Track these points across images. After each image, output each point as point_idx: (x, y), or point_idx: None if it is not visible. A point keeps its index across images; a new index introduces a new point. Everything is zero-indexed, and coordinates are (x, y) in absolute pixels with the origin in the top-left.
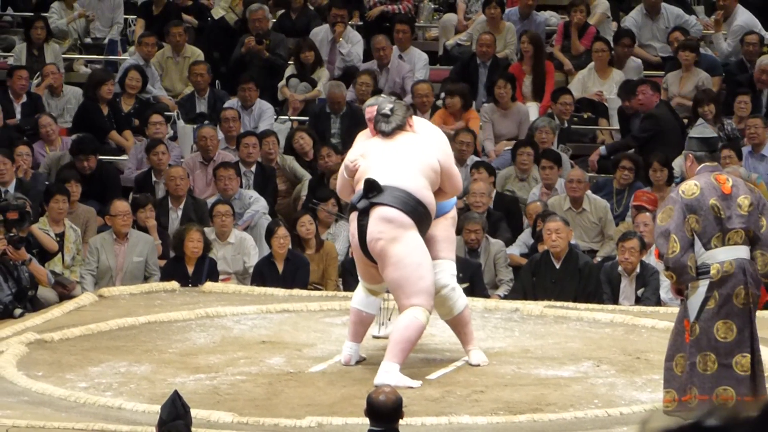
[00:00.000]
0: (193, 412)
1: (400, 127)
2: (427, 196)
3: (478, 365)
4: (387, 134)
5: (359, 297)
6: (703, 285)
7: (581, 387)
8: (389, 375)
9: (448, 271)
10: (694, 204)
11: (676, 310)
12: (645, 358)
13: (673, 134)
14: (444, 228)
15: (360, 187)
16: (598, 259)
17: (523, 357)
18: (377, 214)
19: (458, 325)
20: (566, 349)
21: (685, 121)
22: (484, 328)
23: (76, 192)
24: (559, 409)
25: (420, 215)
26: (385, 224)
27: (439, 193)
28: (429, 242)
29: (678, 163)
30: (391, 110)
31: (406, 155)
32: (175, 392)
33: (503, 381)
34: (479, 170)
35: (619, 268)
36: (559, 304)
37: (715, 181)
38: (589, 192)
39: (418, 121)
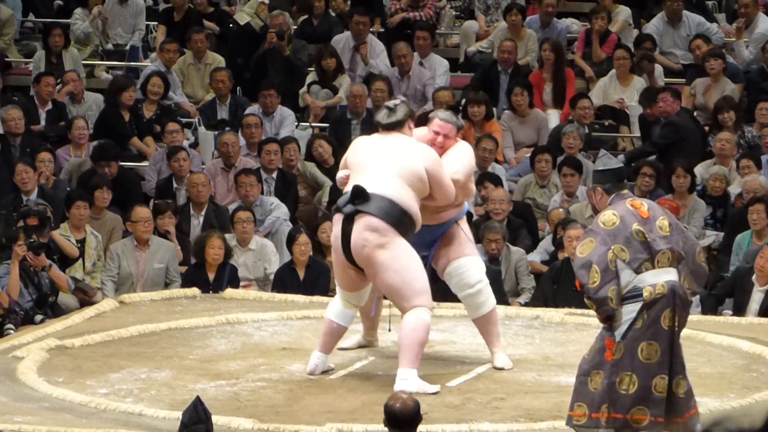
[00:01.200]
0: (214, 418)
1: (399, 124)
2: (412, 207)
3: (502, 368)
4: (384, 127)
5: (335, 308)
6: (634, 306)
7: None
8: (408, 381)
9: (478, 267)
10: (616, 233)
11: (697, 317)
12: None
13: (693, 142)
14: (466, 229)
15: (347, 189)
16: None
17: (544, 364)
18: (362, 222)
19: (486, 324)
20: None
21: (706, 128)
22: (504, 336)
23: (106, 199)
24: None
25: (404, 226)
26: (370, 233)
27: (429, 200)
28: (453, 243)
29: (698, 171)
30: (395, 106)
31: (395, 162)
32: (197, 398)
33: (524, 388)
34: (484, 184)
35: None
36: (579, 311)
37: (631, 207)
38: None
39: (462, 149)
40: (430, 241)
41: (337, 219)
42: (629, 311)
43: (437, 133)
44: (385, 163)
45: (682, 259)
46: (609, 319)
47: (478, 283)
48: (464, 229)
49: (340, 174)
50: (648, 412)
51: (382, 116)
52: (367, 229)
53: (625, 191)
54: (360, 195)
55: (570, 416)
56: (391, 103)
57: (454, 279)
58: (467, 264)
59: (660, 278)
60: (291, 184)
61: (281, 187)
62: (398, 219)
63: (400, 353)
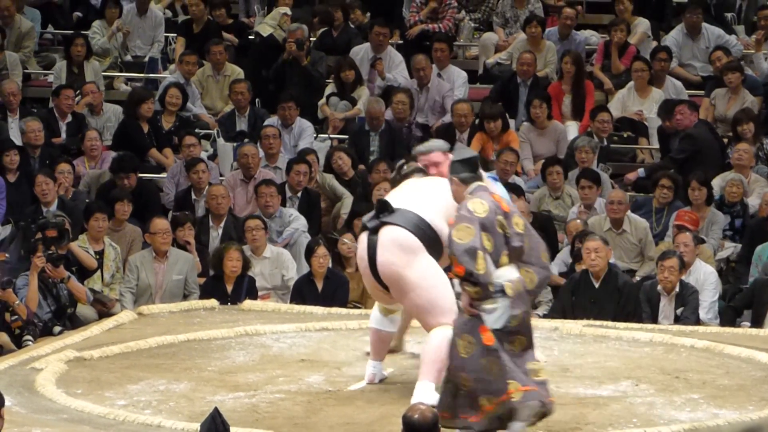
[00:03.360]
0: (233, 430)
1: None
2: (439, 224)
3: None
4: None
5: (376, 316)
6: (503, 303)
7: (620, 406)
8: (426, 395)
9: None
10: (486, 222)
11: (715, 329)
12: (684, 378)
13: (711, 154)
14: None
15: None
16: (637, 278)
17: (563, 376)
18: (387, 234)
19: None
20: (605, 369)
21: (725, 140)
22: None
23: (126, 211)
24: (597, 428)
25: (429, 239)
26: (396, 249)
27: None
28: None
29: (717, 183)
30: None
31: (431, 191)
32: (215, 409)
33: None
34: None
35: (659, 287)
36: (598, 323)
37: (495, 199)
38: (629, 213)
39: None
40: None
41: (363, 238)
42: (500, 307)
43: (427, 167)
44: (419, 190)
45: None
46: (474, 307)
47: None
48: None
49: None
50: (520, 393)
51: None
52: (392, 244)
53: (484, 182)
54: (384, 208)
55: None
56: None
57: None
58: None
59: (513, 275)
60: (315, 203)
61: (305, 206)
62: (423, 231)
63: (422, 367)
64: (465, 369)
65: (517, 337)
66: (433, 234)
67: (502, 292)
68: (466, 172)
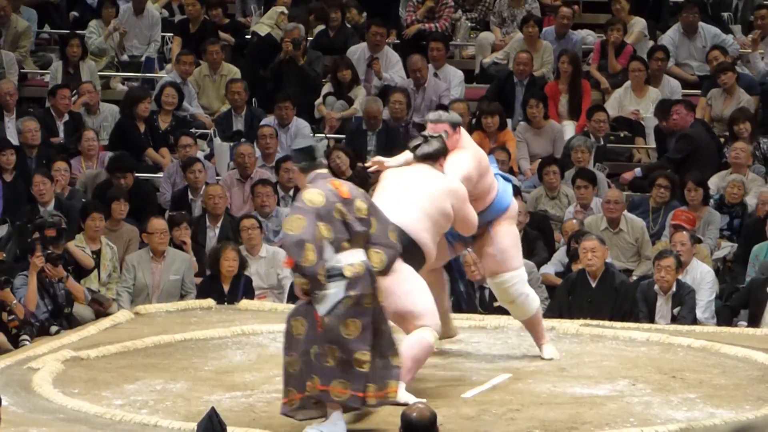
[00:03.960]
0: (229, 429)
1: (432, 157)
2: (424, 238)
3: (551, 359)
4: (416, 158)
5: None
6: (338, 286)
7: (617, 406)
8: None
9: (519, 280)
10: (322, 211)
11: (712, 328)
12: (681, 377)
13: (708, 153)
14: (505, 234)
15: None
16: (634, 278)
17: (559, 375)
18: None
19: (530, 324)
20: (602, 368)
21: (722, 140)
22: (519, 347)
23: (123, 211)
24: (594, 427)
25: (410, 255)
26: None
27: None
28: (494, 254)
29: (714, 183)
30: (431, 138)
31: (421, 195)
32: (212, 409)
33: (539, 399)
34: None
35: (655, 287)
36: (594, 322)
37: (332, 186)
38: (626, 212)
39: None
40: (463, 239)
41: None
42: (332, 289)
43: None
44: (410, 193)
45: (369, 239)
46: (308, 294)
47: (518, 298)
48: (504, 235)
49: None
50: (349, 385)
51: (417, 146)
52: None
53: (324, 170)
54: None
55: (327, 392)
56: (427, 133)
57: (497, 291)
58: (507, 280)
59: (356, 258)
60: None
61: None
62: (403, 247)
63: None
64: (292, 349)
65: (351, 320)
66: (414, 248)
67: (340, 275)
68: (305, 160)
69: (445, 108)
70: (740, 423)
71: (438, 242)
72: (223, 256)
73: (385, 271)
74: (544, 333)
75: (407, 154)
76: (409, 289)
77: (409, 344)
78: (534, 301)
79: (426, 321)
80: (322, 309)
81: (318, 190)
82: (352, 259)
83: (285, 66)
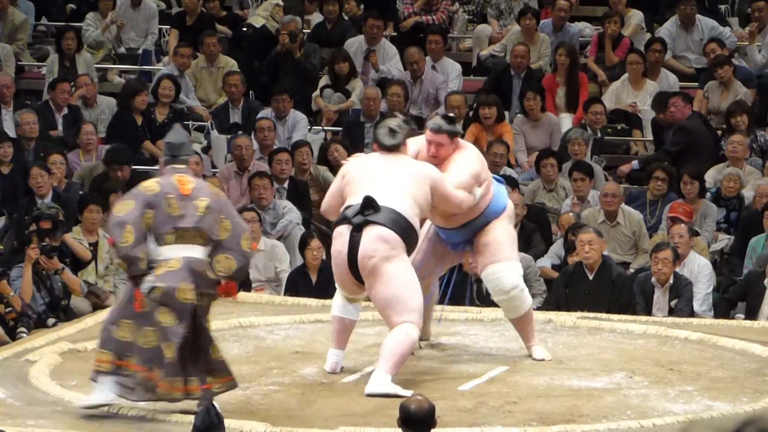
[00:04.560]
0: (227, 422)
1: (398, 148)
2: (416, 224)
3: (543, 359)
4: (385, 148)
5: (338, 304)
6: (151, 275)
7: (614, 398)
8: (381, 383)
9: (514, 272)
10: (151, 200)
11: (709, 321)
12: (678, 370)
13: (705, 146)
14: (502, 229)
15: (352, 201)
16: (631, 270)
17: (556, 368)
18: (374, 232)
19: (522, 323)
20: (599, 361)
21: (719, 132)
22: (517, 339)
23: None
24: (591, 420)
25: (411, 240)
26: (381, 243)
27: (439, 210)
28: (489, 246)
29: (711, 175)
30: (398, 127)
31: (402, 179)
32: (210, 402)
33: (536, 392)
34: None
35: (653, 279)
36: (592, 315)
37: (175, 181)
38: (623, 205)
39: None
40: (462, 242)
41: (344, 230)
42: (149, 276)
43: (429, 143)
44: (393, 178)
45: (219, 245)
46: (135, 277)
47: (513, 290)
48: (502, 229)
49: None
50: (158, 372)
51: (383, 137)
52: (378, 240)
53: (184, 166)
54: (371, 205)
55: (95, 363)
56: (395, 124)
57: (490, 284)
58: (502, 270)
59: (178, 253)
60: (303, 192)
61: (293, 195)
62: (406, 232)
63: (381, 358)
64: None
65: (162, 308)
66: (414, 234)
67: (154, 268)
68: (167, 155)
69: (450, 120)
70: (747, 415)
71: (440, 252)
72: None
73: (234, 277)
74: (534, 334)
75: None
76: (409, 280)
77: (395, 339)
78: (528, 297)
79: (413, 317)
80: (144, 288)
81: (157, 180)
82: (172, 254)
83: (281, 59)
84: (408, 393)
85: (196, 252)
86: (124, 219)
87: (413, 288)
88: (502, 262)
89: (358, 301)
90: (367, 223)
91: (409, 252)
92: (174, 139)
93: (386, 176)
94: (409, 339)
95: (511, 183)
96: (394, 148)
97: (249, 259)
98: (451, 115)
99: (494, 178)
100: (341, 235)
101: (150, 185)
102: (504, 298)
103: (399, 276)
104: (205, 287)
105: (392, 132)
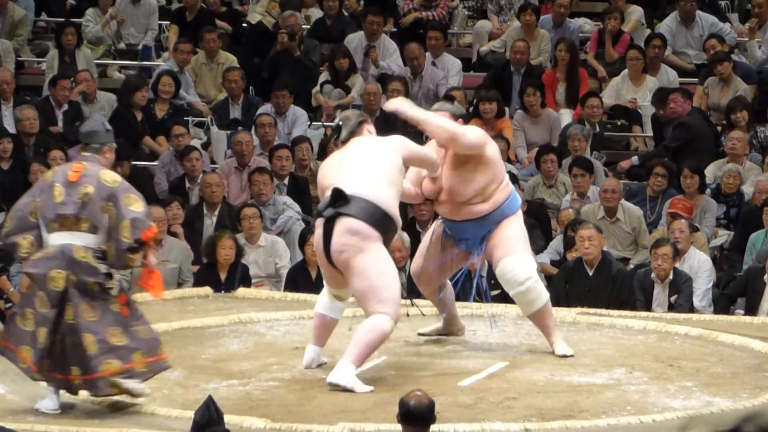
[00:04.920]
0: (226, 417)
1: (354, 134)
2: (392, 207)
3: (565, 356)
4: (344, 142)
5: (323, 302)
6: (29, 262)
7: (614, 394)
8: (344, 375)
9: (528, 264)
10: (43, 186)
11: (709, 317)
12: (678, 365)
13: (705, 141)
14: (516, 226)
15: (327, 194)
16: (631, 266)
17: (556, 364)
18: (343, 225)
19: (539, 318)
20: (599, 356)
21: (719, 128)
22: (516, 335)
23: None
24: (591, 416)
25: (386, 227)
26: (350, 236)
27: (431, 170)
28: (504, 242)
29: (711, 171)
30: (342, 121)
31: (371, 162)
32: (209, 397)
33: (536, 388)
34: None
35: (652, 275)
36: (591, 311)
37: (70, 168)
38: (623, 201)
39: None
40: (479, 237)
41: (319, 223)
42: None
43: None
44: (359, 164)
45: (106, 229)
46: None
47: (526, 281)
48: (516, 226)
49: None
50: (30, 353)
51: (336, 138)
52: (347, 233)
53: (89, 154)
54: (340, 197)
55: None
56: (338, 120)
57: (504, 279)
58: (514, 262)
59: (58, 240)
60: (303, 188)
61: (293, 192)
62: (379, 220)
63: (348, 348)
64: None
65: (39, 293)
66: (388, 220)
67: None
68: (80, 142)
69: (450, 99)
70: (746, 411)
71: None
72: (219, 244)
73: (113, 265)
74: (555, 329)
75: (430, 114)
76: (383, 269)
77: (366, 329)
78: (543, 291)
79: (387, 309)
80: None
81: (56, 168)
82: (51, 241)
83: (281, 57)
84: (367, 389)
85: (79, 239)
86: (13, 207)
87: (388, 278)
88: (515, 255)
89: (344, 300)
90: (338, 215)
91: (386, 238)
92: (87, 128)
93: (354, 163)
94: (380, 329)
95: (511, 179)
96: (349, 138)
97: (124, 246)
98: (452, 95)
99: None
100: (317, 229)
101: (47, 173)
102: (519, 291)
103: (373, 267)
104: (86, 274)
105: (339, 128)
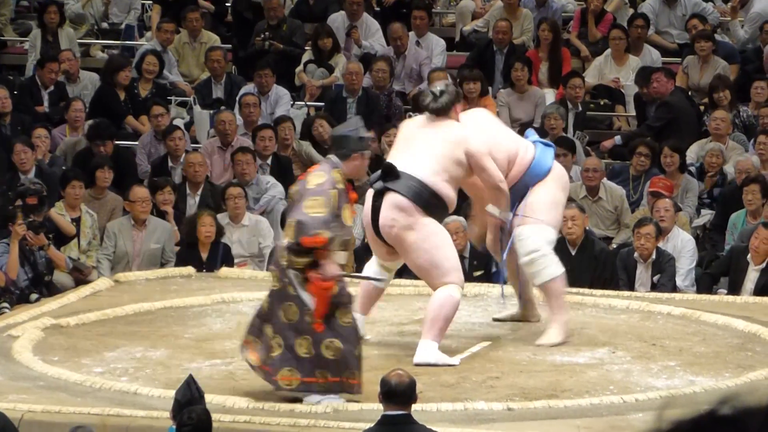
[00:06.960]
0: (209, 397)
1: (443, 111)
2: (444, 188)
3: (540, 345)
4: (430, 111)
5: (372, 271)
6: None
7: (597, 373)
8: (428, 353)
9: (539, 236)
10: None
11: (692, 296)
12: (660, 345)
13: (688, 121)
14: (545, 191)
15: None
16: (614, 245)
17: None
18: (390, 200)
19: (545, 293)
20: (582, 336)
21: (702, 108)
22: (498, 314)
23: (107, 179)
24: (574, 395)
25: (432, 207)
26: (398, 212)
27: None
28: (526, 207)
29: (694, 151)
30: (441, 92)
31: (434, 145)
32: (190, 376)
33: (519, 367)
34: None
35: (635, 255)
36: (574, 290)
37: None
38: (605, 180)
39: (473, 113)
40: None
41: (369, 195)
42: None
43: None
44: (423, 145)
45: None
46: None
47: (532, 253)
48: (544, 191)
49: None
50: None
51: (427, 102)
52: (395, 208)
53: (335, 158)
54: (390, 172)
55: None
56: (437, 89)
57: (516, 246)
58: (525, 232)
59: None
60: (286, 168)
61: (276, 172)
62: (426, 200)
63: (424, 325)
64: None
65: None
66: (436, 200)
67: None
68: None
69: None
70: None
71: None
72: (199, 222)
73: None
74: (558, 311)
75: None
76: (436, 243)
77: (438, 303)
78: (552, 266)
79: (452, 278)
80: None
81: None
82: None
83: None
84: (455, 361)
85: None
86: None
87: (444, 250)
88: (529, 225)
89: (392, 271)
90: (387, 190)
91: (434, 216)
92: (339, 131)
93: (419, 141)
94: (451, 301)
95: None
96: (437, 112)
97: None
98: (436, 90)
99: (542, 142)
100: (366, 202)
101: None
102: (524, 261)
103: (426, 242)
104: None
105: (434, 97)
